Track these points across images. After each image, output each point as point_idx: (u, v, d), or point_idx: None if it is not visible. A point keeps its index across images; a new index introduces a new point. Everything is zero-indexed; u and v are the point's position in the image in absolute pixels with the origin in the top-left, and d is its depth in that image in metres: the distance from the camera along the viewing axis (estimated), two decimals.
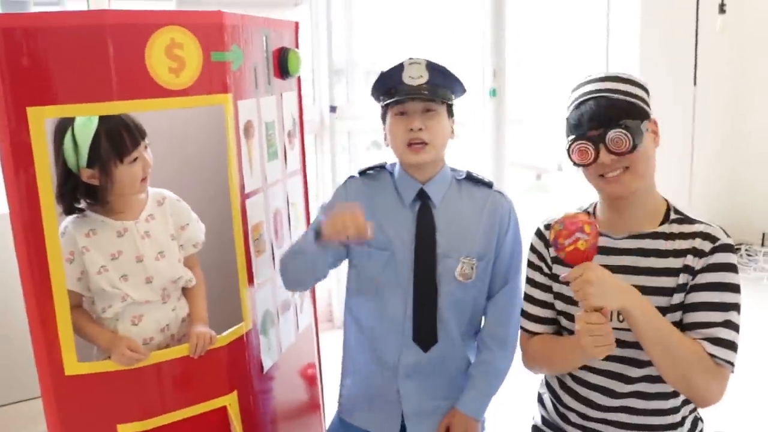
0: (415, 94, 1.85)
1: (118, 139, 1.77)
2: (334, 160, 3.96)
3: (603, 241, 1.68)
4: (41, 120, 1.62)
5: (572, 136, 1.64)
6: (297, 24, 2.30)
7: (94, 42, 1.62)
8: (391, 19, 4.49)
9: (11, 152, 1.62)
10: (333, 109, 3.91)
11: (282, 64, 2.14)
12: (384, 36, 4.39)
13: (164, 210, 1.94)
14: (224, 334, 1.91)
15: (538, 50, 5.31)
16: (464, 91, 1.97)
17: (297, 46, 2.29)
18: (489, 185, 2.00)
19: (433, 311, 1.94)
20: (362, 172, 2.06)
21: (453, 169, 2.02)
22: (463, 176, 2.00)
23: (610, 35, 5.27)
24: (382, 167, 2.03)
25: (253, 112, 1.98)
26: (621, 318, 1.62)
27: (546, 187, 6.65)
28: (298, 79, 2.34)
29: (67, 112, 1.65)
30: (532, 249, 1.85)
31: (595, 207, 1.79)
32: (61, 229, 1.80)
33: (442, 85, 1.89)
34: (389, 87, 1.90)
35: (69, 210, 1.84)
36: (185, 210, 2.00)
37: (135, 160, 1.80)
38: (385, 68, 1.92)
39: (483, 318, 2.04)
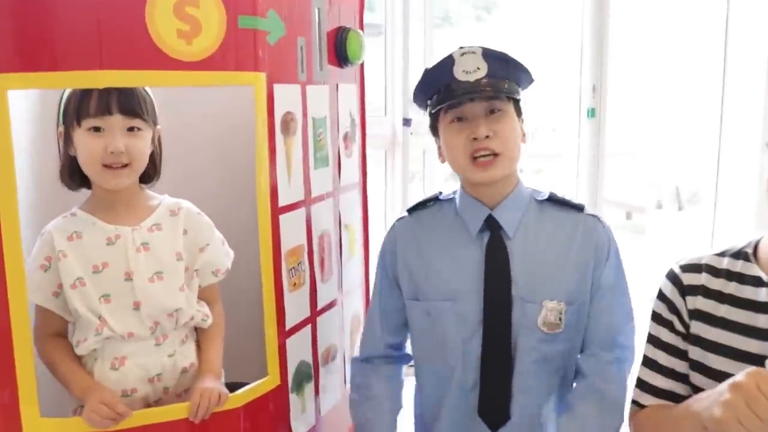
0: (474, 93, 1.41)
1: (85, 97, 1.35)
2: (405, 182, 3.46)
3: None
4: (3, 93, 1.20)
5: None
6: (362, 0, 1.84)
7: None
8: (477, 19, 3.99)
9: None
10: (407, 122, 3.42)
11: (339, 48, 1.68)
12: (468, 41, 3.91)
13: (177, 222, 1.49)
14: (240, 391, 1.44)
15: (645, 64, 4.70)
16: (531, 80, 1.51)
17: (361, 28, 1.82)
18: (579, 208, 1.52)
19: (507, 375, 1.46)
20: (412, 210, 1.61)
21: (531, 188, 1.55)
22: (545, 197, 1.52)
23: (729, 52, 4.62)
24: (435, 199, 1.60)
25: (296, 102, 1.52)
26: None
27: (640, 227, 5.98)
28: (362, 68, 1.87)
29: (37, 82, 1.23)
30: (661, 297, 1.33)
31: (756, 245, 1.27)
32: (43, 230, 1.42)
33: (505, 77, 1.43)
34: (438, 87, 1.45)
35: (70, 185, 1.47)
36: (206, 227, 1.54)
37: (97, 130, 1.36)
38: (430, 65, 1.48)
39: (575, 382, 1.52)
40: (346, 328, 1.84)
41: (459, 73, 1.41)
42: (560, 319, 1.45)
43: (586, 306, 1.48)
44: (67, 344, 1.43)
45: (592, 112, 4.12)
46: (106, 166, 1.36)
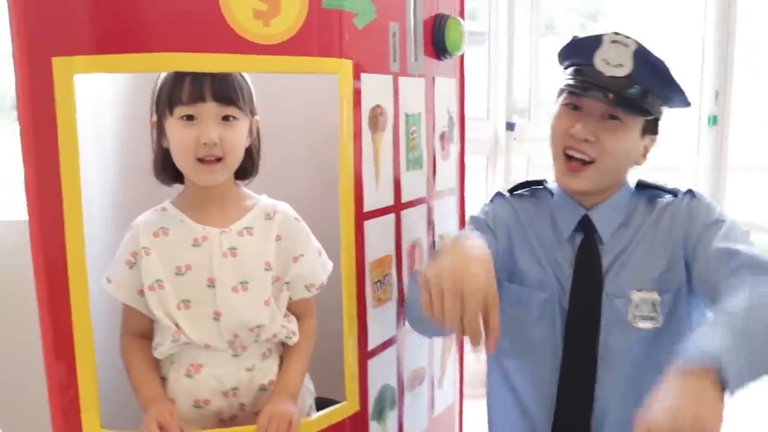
0: (598, 91, 1.21)
1: (179, 84, 1.23)
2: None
3: None
4: (69, 76, 1.09)
5: None
6: None
7: None
8: (582, 27, 3.73)
9: (31, 120, 1.11)
10: (510, 126, 3.20)
11: (437, 37, 1.51)
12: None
13: (270, 227, 1.34)
14: (313, 417, 1.29)
15: None
16: (686, 103, 1.28)
17: (462, 15, 1.64)
18: (674, 193, 1.32)
19: (590, 383, 1.29)
20: (514, 190, 1.45)
21: (638, 187, 1.36)
22: (636, 187, 1.36)
23: None
24: (539, 183, 1.44)
25: (387, 94, 1.35)
26: None
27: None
28: (461, 62, 1.69)
29: (103, 65, 1.11)
30: None
31: None
32: (132, 224, 1.32)
33: (649, 88, 1.22)
34: (575, 62, 1.27)
35: (164, 180, 1.35)
36: (303, 235, 1.37)
37: (190, 119, 1.23)
38: (582, 35, 1.28)
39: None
40: (436, 348, 1.65)
41: (598, 60, 1.22)
42: (656, 311, 1.25)
43: (684, 295, 1.27)
44: (147, 347, 1.32)
45: (713, 120, 3.76)
46: (199, 160, 1.24)
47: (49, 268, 1.15)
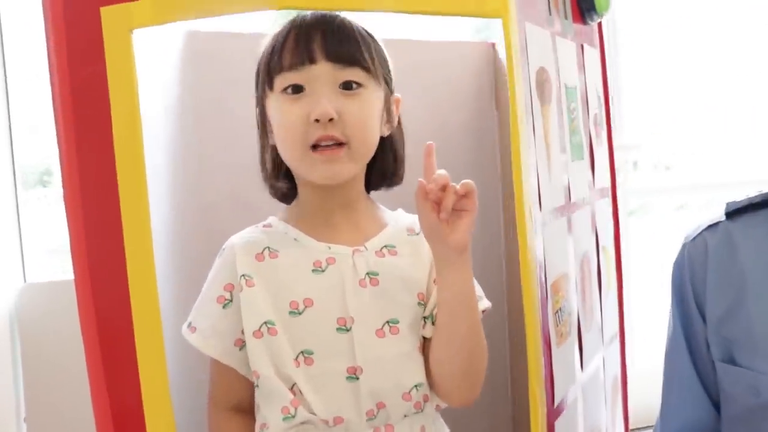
0: None
1: (279, 47, 0.87)
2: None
3: None
4: (125, 31, 0.74)
5: None
6: None
7: None
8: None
9: (71, 100, 0.75)
10: None
11: None
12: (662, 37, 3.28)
13: (420, 245, 0.93)
14: None
15: None
16: None
17: None
18: None
19: None
20: (733, 212, 0.95)
21: None
22: None
23: None
24: None
25: (549, 56, 1.00)
26: None
27: None
28: (600, 29, 1.34)
29: (175, 10, 0.76)
30: None
31: None
32: (224, 245, 0.93)
33: None
34: None
35: (277, 192, 0.97)
36: None
37: (297, 90, 0.87)
38: None
39: None
40: (608, 398, 1.26)
41: None
42: None
43: None
44: (249, 425, 0.92)
45: None
46: (313, 147, 0.86)
47: (102, 325, 0.78)
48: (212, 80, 1.13)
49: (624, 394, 1.40)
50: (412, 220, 0.94)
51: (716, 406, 0.97)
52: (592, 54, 1.25)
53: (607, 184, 1.32)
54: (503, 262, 1.28)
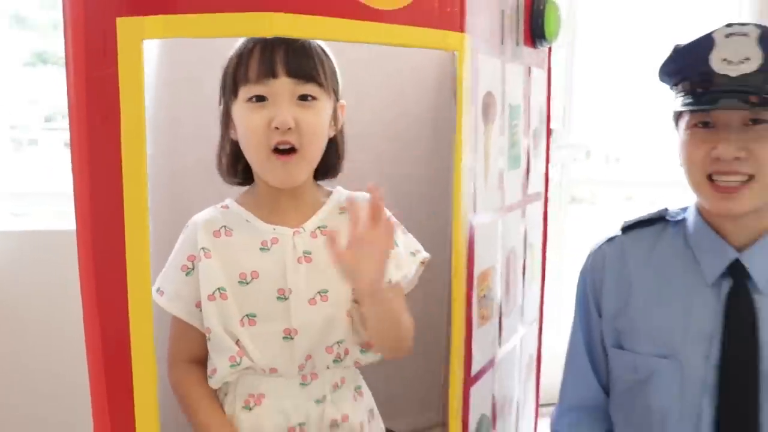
0: (732, 96, 0.99)
1: (244, 59, 1.02)
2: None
3: None
4: (137, 41, 0.88)
5: None
6: None
7: None
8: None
9: (86, 98, 0.89)
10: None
11: (536, 21, 1.33)
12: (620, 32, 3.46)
13: (347, 223, 1.08)
14: None
15: None
16: None
17: None
18: None
19: None
20: (627, 228, 1.18)
21: None
22: None
23: None
24: (660, 218, 1.17)
25: (497, 81, 1.18)
26: None
27: None
28: (550, 53, 1.52)
29: (180, 28, 0.90)
30: None
31: None
32: (188, 223, 1.10)
33: None
34: (687, 75, 1.05)
35: (230, 179, 1.13)
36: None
37: (260, 99, 1.02)
38: (684, 42, 1.06)
39: None
40: (522, 373, 1.47)
41: (718, 62, 1.01)
42: None
43: None
44: (205, 375, 1.10)
45: None
46: (274, 152, 1.02)
47: (101, 279, 0.93)
48: (188, 59, 1.26)
49: (537, 371, 1.61)
50: (346, 196, 1.11)
51: (604, 388, 1.18)
52: (539, 75, 1.43)
53: (541, 189, 1.51)
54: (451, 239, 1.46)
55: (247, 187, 1.13)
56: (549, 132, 1.55)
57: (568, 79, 3.13)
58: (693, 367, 1.06)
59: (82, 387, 1.01)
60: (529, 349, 1.52)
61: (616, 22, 3.26)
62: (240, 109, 1.02)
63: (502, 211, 1.25)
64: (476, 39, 1.08)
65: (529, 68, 1.36)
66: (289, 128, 1.00)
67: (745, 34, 1.00)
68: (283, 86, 1.00)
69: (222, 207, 1.11)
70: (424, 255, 1.12)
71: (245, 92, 1.01)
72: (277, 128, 1.00)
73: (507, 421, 1.38)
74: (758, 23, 1.02)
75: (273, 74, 1.00)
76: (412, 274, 1.12)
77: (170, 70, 1.26)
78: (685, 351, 1.07)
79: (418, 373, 1.26)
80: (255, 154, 1.03)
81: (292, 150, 1.01)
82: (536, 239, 1.49)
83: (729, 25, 1.01)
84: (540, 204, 1.52)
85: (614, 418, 1.18)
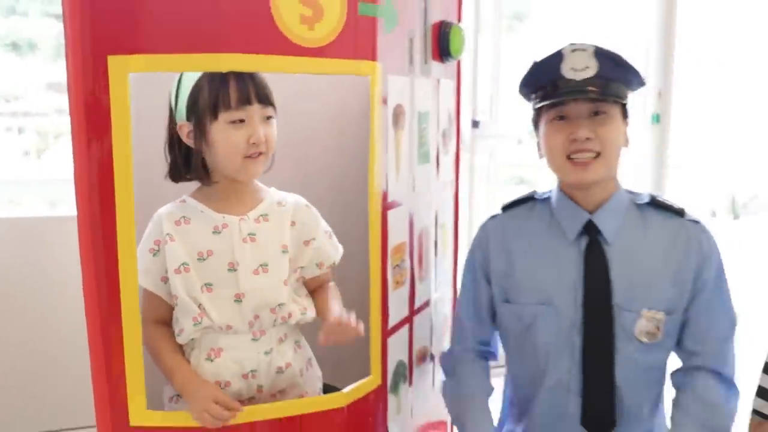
0: (579, 93, 1.36)
1: (222, 88, 1.31)
2: (472, 184, 3.38)
3: None
4: (125, 74, 1.17)
5: None
6: None
7: None
8: (547, 22, 3.91)
9: (84, 117, 1.18)
10: (476, 124, 3.37)
11: (443, 42, 1.64)
12: (540, 42, 3.82)
13: (284, 214, 1.45)
14: (345, 390, 1.40)
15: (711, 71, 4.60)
16: (642, 83, 1.44)
17: (459, 21, 1.78)
18: (680, 213, 1.45)
19: (610, 385, 1.41)
20: (506, 207, 1.56)
21: (630, 192, 1.48)
22: (646, 200, 1.46)
23: None
24: (530, 198, 1.55)
25: (406, 95, 1.48)
26: None
27: None
28: (458, 65, 1.83)
29: (158, 64, 1.19)
30: None
31: None
32: (154, 215, 1.39)
33: (615, 79, 1.37)
34: (544, 83, 1.40)
35: (175, 178, 1.43)
36: (314, 220, 1.49)
37: (240, 122, 1.33)
38: (539, 57, 1.42)
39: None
40: (437, 329, 1.79)
41: (566, 70, 1.36)
42: (659, 329, 1.39)
43: (679, 317, 1.42)
44: (171, 333, 1.40)
45: (656, 118, 4.01)
46: (247, 157, 1.33)
47: (98, 261, 1.23)
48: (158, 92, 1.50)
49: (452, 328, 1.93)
50: (281, 195, 1.46)
51: (482, 338, 1.58)
52: (447, 85, 1.73)
53: (451, 177, 1.82)
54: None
55: (198, 186, 1.42)
56: (459, 129, 1.86)
57: (495, 76, 3.45)
58: (565, 309, 1.42)
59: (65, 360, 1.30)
60: (444, 309, 1.84)
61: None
62: (223, 129, 1.32)
63: (413, 197, 1.55)
64: (386, 63, 1.38)
65: (438, 80, 1.67)
66: (262, 142, 1.33)
67: (584, 50, 1.37)
68: (255, 111, 1.32)
69: (180, 201, 1.42)
70: (335, 259, 1.51)
71: (227, 116, 1.31)
72: (254, 143, 1.32)
73: (423, 365, 1.70)
74: (595, 44, 1.38)
75: (248, 101, 1.31)
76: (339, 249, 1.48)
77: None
78: (559, 297, 1.42)
79: None
80: (231, 161, 1.34)
81: (260, 154, 1.34)
82: (447, 220, 1.81)
83: (573, 44, 1.37)
84: (451, 192, 1.84)
85: (510, 359, 1.54)
